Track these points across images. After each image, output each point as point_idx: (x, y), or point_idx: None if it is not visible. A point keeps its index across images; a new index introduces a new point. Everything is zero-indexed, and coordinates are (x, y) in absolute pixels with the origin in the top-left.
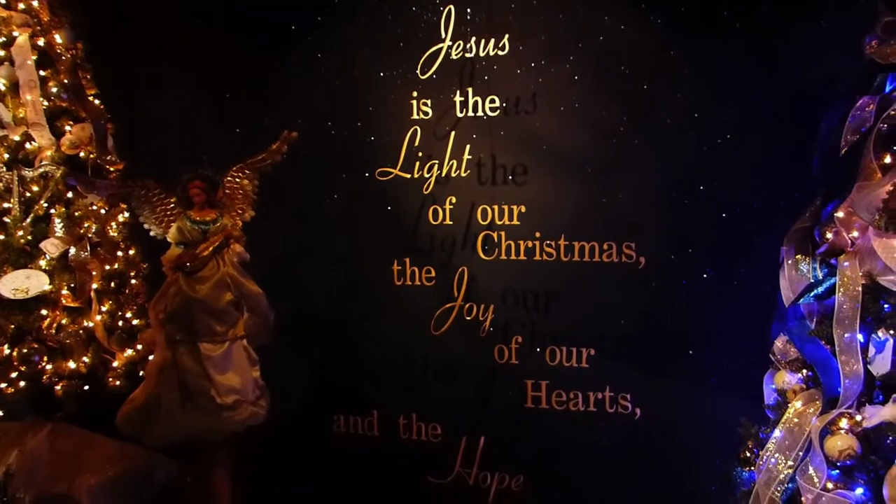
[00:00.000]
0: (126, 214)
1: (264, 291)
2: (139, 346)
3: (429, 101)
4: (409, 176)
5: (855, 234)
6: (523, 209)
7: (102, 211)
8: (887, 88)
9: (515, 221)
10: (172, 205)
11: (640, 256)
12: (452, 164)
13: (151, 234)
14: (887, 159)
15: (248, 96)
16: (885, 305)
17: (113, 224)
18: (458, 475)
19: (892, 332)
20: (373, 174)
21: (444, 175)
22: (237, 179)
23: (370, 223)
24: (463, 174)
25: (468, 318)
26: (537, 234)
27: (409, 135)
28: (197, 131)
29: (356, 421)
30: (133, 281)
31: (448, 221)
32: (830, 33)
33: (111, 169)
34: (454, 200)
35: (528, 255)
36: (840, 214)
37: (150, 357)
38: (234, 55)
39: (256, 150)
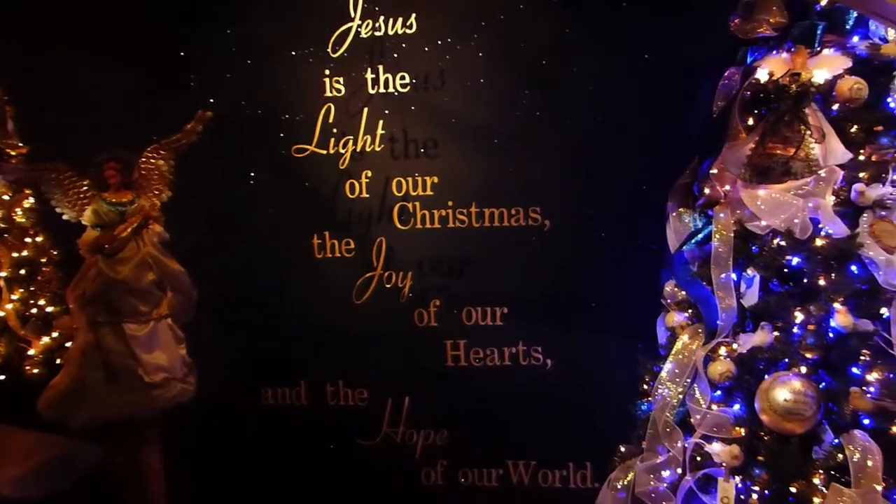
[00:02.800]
0: (32, 200)
1: (186, 270)
2: (55, 333)
3: (341, 79)
4: (324, 152)
5: (727, 187)
6: (436, 180)
7: (6, 197)
8: (749, 60)
9: (429, 192)
10: (86, 187)
11: (545, 219)
12: (366, 139)
13: (65, 217)
14: (750, 121)
15: (160, 76)
16: (753, 247)
17: (19, 210)
18: (385, 435)
19: (759, 270)
20: (289, 151)
21: (358, 150)
22: (152, 160)
23: (289, 199)
24: (377, 149)
25: (388, 286)
26: (450, 203)
27: (322, 112)
28: (108, 112)
29: (284, 392)
30: (45, 268)
31: (364, 195)
32: (704, 13)
33: (13, 153)
34: (370, 174)
35: (443, 224)
36: (714, 171)
37: (69, 344)
38: (143, 33)
39: (171, 131)
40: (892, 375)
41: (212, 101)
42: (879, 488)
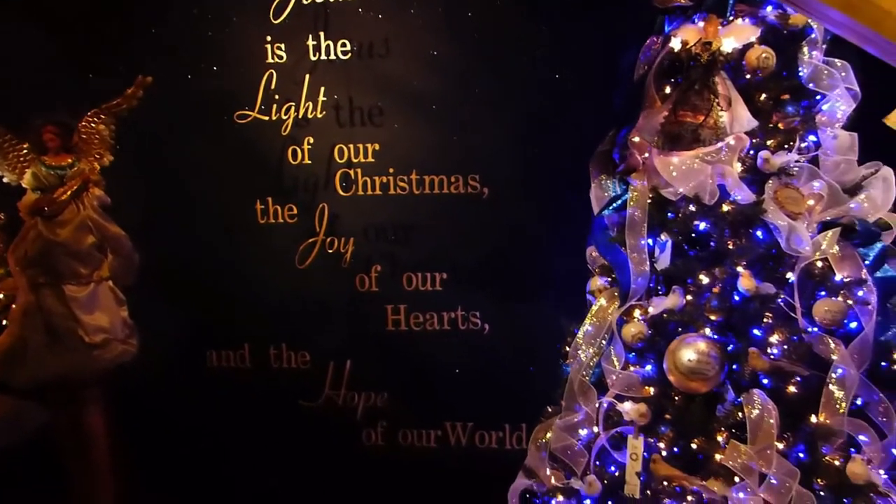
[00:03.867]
0: None
1: (128, 234)
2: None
3: (283, 46)
4: (267, 118)
5: (646, 155)
6: (377, 147)
7: None
8: (666, 29)
9: (370, 159)
10: (25, 150)
11: (484, 188)
12: (308, 105)
13: (5, 180)
14: (667, 90)
15: (100, 40)
16: (669, 214)
17: None
18: (327, 397)
19: (672, 235)
20: (231, 117)
21: (301, 117)
22: (92, 124)
23: (232, 165)
24: (319, 115)
25: (330, 252)
26: (391, 171)
27: (265, 78)
28: (48, 77)
29: (228, 355)
30: None
31: (307, 161)
32: None
33: None
34: (312, 141)
35: (384, 190)
36: (632, 138)
37: (14, 305)
38: None
39: (113, 96)
40: (796, 338)
41: (153, 66)
42: (781, 446)
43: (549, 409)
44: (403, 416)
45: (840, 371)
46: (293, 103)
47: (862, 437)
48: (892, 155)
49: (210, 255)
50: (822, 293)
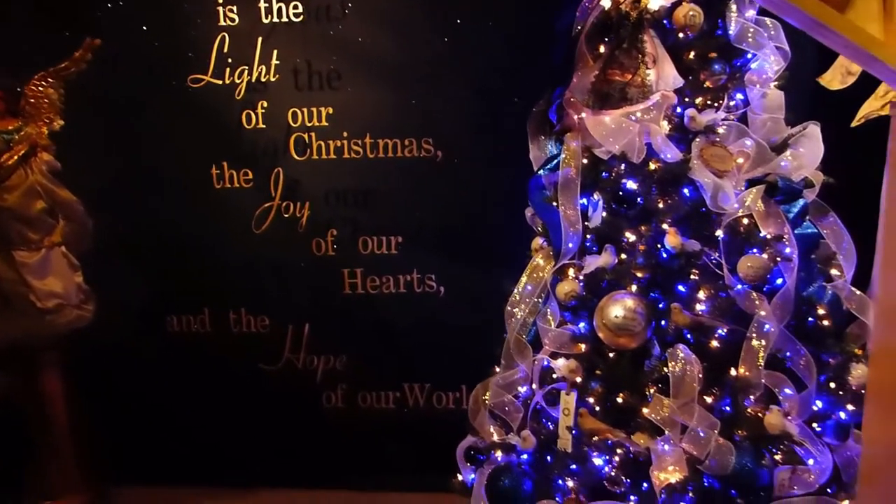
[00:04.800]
0: None
1: (82, 199)
2: None
3: (234, 8)
4: (220, 82)
5: (582, 114)
6: (331, 111)
7: None
8: None
9: (324, 123)
10: None
11: (438, 150)
12: (262, 69)
13: None
14: (602, 49)
15: (46, 2)
16: (604, 173)
17: None
18: (287, 361)
19: (603, 194)
20: (184, 81)
21: (255, 81)
22: (41, 88)
23: (186, 130)
24: (273, 79)
25: (286, 216)
26: (345, 134)
27: (217, 42)
28: None
29: (189, 320)
30: None
31: (261, 125)
32: None
33: None
34: (266, 105)
35: (338, 154)
36: (567, 98)
37: None
38: None
39: (59, 59)
40: (724, 294)
41: (102, 29)
42: (710, 399)
43: (498, 369)
44: (362, 379)
45: (761, 325)
46: (246, 67)
47: (787, 391)
48: (824, 114)
49: (167, 221)
50: (750, 250)
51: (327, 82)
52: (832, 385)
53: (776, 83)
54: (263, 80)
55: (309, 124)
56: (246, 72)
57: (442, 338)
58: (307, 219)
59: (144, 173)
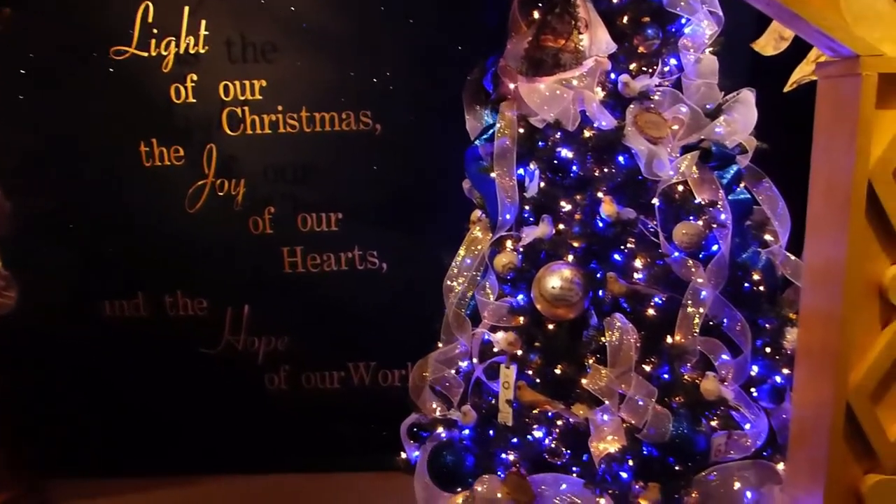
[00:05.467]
0: None
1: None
2: None
3: None
4: (146, 55)
5: (519, 82)
6: (264, 84)
7: None
8: None
9: (258, 96)
10: None
11: (376, 124)
12: (190, 40)
13: None
14: (535, 14)
15: None
16: (540, 143)
17: None
18: (227, 343)
19: (539, 163)
20: (106, 54)
21: (182, 52)
22: None
23: (112, 105)
24: (202, 51)
25: (221, 194)
26: (279, 108)
27: (140, 11)
28: None
29: (122, 304)
30: None
31: (191, 99)
32: None
33: None
34: (195, 78)
35: (273, 129)
36: (502, 65)
37: None
38: None
39: None
40: (661, 262)
41: None
42: (648, 368)
43: (440, 344)
44: (306, 359)
45: (697, 292)
46: (173, 38)
47: (723, 356)
48: (759, 80)
49: (95, 201)
50: (685, 217)
51: (262, 54)
52: (768, 350)
53: (710, 49)
54: (192, 51)
55: (242, 98)
56: (173, 43)
57: (386, 315)
58: (243, 196)
59: (68, 152)
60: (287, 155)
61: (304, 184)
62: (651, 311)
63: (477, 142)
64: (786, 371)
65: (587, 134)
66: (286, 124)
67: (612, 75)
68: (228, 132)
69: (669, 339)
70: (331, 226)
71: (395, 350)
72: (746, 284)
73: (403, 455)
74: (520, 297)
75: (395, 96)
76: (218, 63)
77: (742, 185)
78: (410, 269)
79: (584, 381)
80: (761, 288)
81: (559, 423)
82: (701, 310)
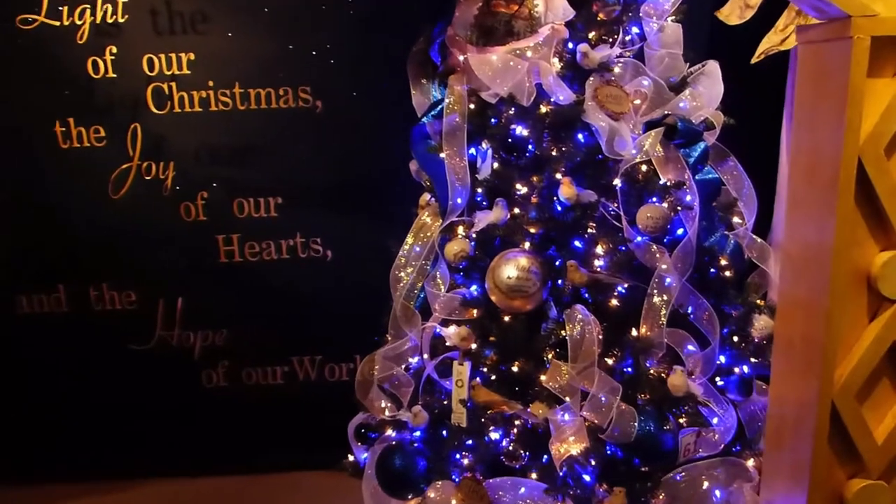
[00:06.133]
0: None
1: None
2: None
3: None
4: (58, 24)
5: (469, 54)
6: (192, 57)
7: None
8: None
9: (185, 71)
10: None
11: (317, 100)
12: (107, 9)
13: None
14: None
15: None
16: (493, 119)
17: None
18: (160, 339)
19: (492, 142)
20: (11, 22)
21: (99, 22)
22: None
23: (21, 80)
24: (122, 20)
25: (148, 178)
26: (210, 84)
27: None
28: None
29: (41, 300)
30: None
31: (111, 74)
32: None
33: None
34: (115, 51)
35: (204, 107)
36: (450, 34)
37: None
38: None
39: None
40: (623, 248)
41: None
42: (611, 361)
43: (389, 338)
44: (246, 354)
45: (663, 280)
46: (88, 6)
47: (690, 347)
48: (725, 51)
49: (7, 187)
50: (649, 199)
51: (191, 25)
52: (735, 338)
53: (673, 17)
54: (110, 21)
55: (168, 73)
56: (88, 11)
57: (332, 305)
58: (173, 180)
59: None
60: (220, 135)
61: (240, 166)
62: (614, 302)
63: (424, 119)
64: (753, 360)
65: (543, 109)
66: (218, 101)
67: (570, 45)
68: (154, 110)
69: (634, 332)
70: (270, 211)
71: (342, 343)
72: (713, 270)
73: (351, 458)
74: (473, 287)
75: (338, 70)
76: (141, 34)
77: (709, 163)
78: (357, 256)
79: (543, 378)
80: (728, 273)
81: (517, 423)
82: (667, 299)
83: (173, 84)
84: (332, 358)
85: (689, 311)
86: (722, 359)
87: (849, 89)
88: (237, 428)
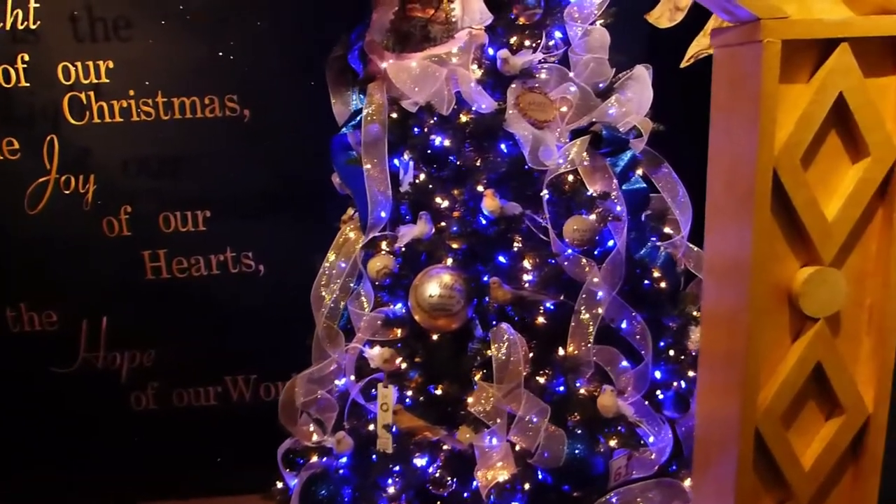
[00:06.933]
0: None
1: None
2: None
3: None
4: None
5: (389, 60)
6: (111, 65)
7: None
8: None
9: (104, 80)
10: None
11: (244, 109)
12: (18, 14)
13: None
14: None
15: None
16: (415, 128)
17: None
18: (84, 361)
19: (414, 153)
20: None
21: (9, 28)
22: None
23: None
24: (33, 26)
25: (67, 192)
26: (131, 93)
27: None
28: None
29: None
30: None
31: (24, 83)
32: None
33: None
34: (28, 59)
35: (125, 117)
36: (369, 40)
37: None
38: None
39: None
40: (553, 262)
41: None
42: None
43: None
44: (177, 375)
45: (592, 295)
46: None
47: (624, 363)
48: (655, 55)
49: None
50: (577, 211)
51: (114, 31)
52: (671, 352)
53: (601, 21)
54: (21, 27)
55: (85, 81)
56: None
57: (265, 322)
58: (94, 194)
59: None
60: (143, 146)
61: (166, 178)
62: (541, 319)
63: (344, 129)
64: (691, 374)
65: (464, 119)
66: (140, 111)
67: (491, 50)
68: (72, 121)
69: (562, 351)
70: (198, 225)
71: (277, 360)
72: (647, 282)
73: (280, 484)
74: (398, 306)
75: (266, 78)
76: (56, 41)
77: (640, 171)
78: (291, 270)
79: (470, 400)
80: (662, 285)
81: (445, 448)
82: (597, 313)
83: (91, 93)
84: (267, 377)
85: (622, 327)
86: (658, 374)
87: (761, 96)
88: (168, 452)
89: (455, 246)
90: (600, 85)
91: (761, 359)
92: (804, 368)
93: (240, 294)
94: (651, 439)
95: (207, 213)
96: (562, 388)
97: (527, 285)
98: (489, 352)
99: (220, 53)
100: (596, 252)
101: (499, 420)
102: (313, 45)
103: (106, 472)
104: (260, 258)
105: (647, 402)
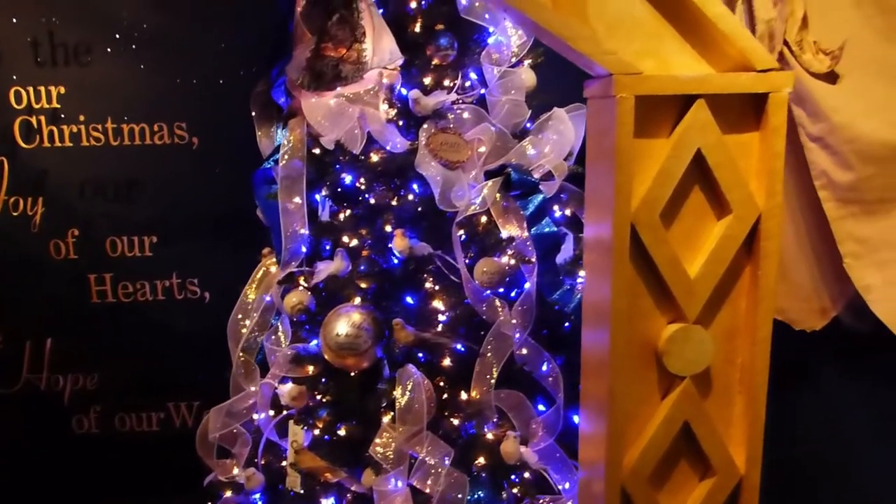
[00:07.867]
0: None
1: None
2: None
3: None
4: None
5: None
6: (62, 91)
7: None
8: None
9: (55, 104)
10: None
11: (192, 137)
12: None
13: None
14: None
15: None
16: (335, 165)
17: None
18: (26, 382)
19: (328, 189)
20: None
21: None
22: None
23: None
24: None
25: (15, 214)
26: (81, 118)
27: None
28: None
29: None
30: None
31: None
32: None
33: None
34: None
35: (75, 142)
36: (289, 76)
37: None
38: None
39: None
40: (468, 302)
41: None
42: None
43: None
44: (120, 399)
45: (500, 338)
46: None
47: (540, 407)
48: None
49: None
50: (489, 252)
51: (74, 57)
52: None
53: (530, 61)
54: None
55: (36, 106)
56: None
57: (210, 349)
58: (41, 217)
59: None
60: (93, 171)
61: (114, 203)
62: (447, 362)
63: (267, 163)
64: None
65: (375, 157)
66: (90, 137)
67: (404, 90)
68: (22, 145)
69: (465, 395)
70: (144, 250)
71: (221, 388)
72: (566, 325)
73: None
74: (313, 343)
75: (215, 105)
76: (14, 65)
77: (568, 211)
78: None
79: (378, 441)
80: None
81: (354, 488)
82: (502, 356)
83: (42, 118)
84: (211, 404)
85: (542, 370)
86: (577, 418)
87: (616, 151)
88: (109, 477)
89: (363, 285)
90: (522, 126)
91: (629, 415)
92: (672, 427)
93: (185, 320)
94: (567, 485)
95: (154, 238)
96: (473, 431)
97: (440, 326)
98: (395, 393)
99: (179, 80)
100: (513, 294)
101: (400, 463)
102: (262, 74)
103: (46, 495)
104: (206, 285)
105: (560, 449)
